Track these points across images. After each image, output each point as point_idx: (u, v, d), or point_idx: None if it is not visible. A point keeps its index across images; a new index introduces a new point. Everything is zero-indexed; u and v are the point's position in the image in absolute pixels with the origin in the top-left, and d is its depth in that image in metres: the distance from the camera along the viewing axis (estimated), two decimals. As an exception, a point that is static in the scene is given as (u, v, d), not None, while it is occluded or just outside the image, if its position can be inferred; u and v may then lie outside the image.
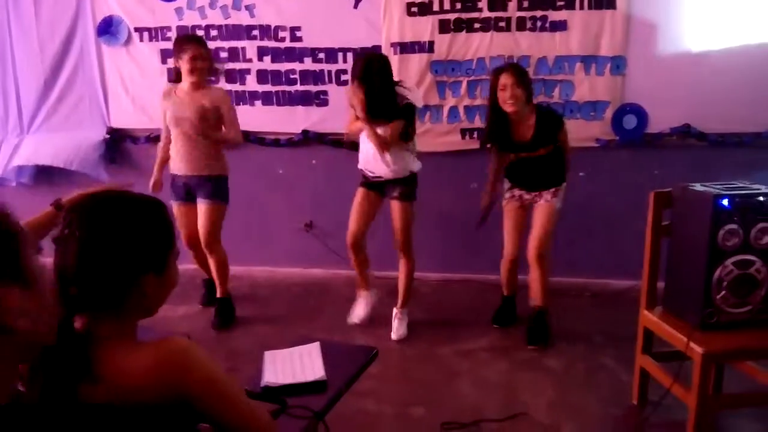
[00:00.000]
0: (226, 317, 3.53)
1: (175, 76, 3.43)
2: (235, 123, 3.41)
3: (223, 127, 3.38)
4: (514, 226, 3.31)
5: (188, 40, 3.37)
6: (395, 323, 3.40)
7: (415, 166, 3.30)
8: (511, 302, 3.50)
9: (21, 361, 0.90)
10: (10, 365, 0.86)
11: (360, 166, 3.36)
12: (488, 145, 3.29)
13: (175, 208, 3.44)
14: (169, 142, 3.45)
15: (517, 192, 3.29)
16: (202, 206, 3.41)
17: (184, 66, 3.27)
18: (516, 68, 3.14)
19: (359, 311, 3.49)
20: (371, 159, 3.25)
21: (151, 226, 1.07)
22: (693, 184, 2.34)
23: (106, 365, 0.97)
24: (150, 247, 1.06)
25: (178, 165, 3.40)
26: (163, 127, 3.50)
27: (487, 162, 3.70)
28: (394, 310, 3.44)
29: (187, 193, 3.44)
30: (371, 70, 3.10)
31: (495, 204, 3.31)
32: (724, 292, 2.23)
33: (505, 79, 3.06)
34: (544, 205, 3.22)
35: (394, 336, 3.36)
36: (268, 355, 1.69)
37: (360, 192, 3.39)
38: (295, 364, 1.61)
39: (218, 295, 3.56)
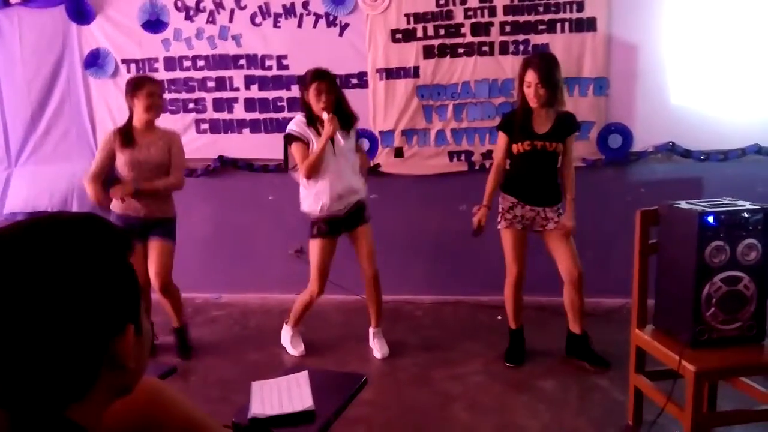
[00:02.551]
0: (188, 346, 3.52)
1: (127, 120, 3.32)
2: (180, 167, 3.38)
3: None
4: (519, 247, 3.16)
5: (144, 78, 3.38)
6: (376, 343, 3.41)
7: None
8: (521, 337, 3.31)
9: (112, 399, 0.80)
10: (108, 400, 0.78)
11: (322, 212, 3.21)
12: (499, 135, 3.17)
13: None
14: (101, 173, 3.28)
15: (518, 211, 3.13)
16: (157, 244, 3.32)
17: (141, 103, 3.21)
18: (542, 66, 2.97)
19: (300, 346, 3.48)
20: (343, 193, 3.22)
21: (104, 253, 0.73)
22: (678, 202, 2.35)
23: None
24: (117, 286, 0.74)
25: (133, 206, 3.28)
26: (96, 163, 3.31)
27: (475, 183, 3.72)
28: (371, 330, 3.44)
29: (141, 234, 3.31)
30: (331, 77, 3.22)
31: (485, 220, 3.17)
32: (713, 309, 2.23)
33: (530, 77, 2.98)
34: (561, 232, 3.08)
35: (378, 355, 3.37)
36: (256, 386, 1.67)
37: (324, 243, 3.26)
38: (283, 394, 1.59)
39: (176, 325, 3.52)
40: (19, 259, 0.68)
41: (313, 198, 3.23)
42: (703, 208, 2.25)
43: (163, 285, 3.36)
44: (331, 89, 3.16)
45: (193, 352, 3.51)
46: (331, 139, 3.15)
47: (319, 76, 3.15)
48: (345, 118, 3.22)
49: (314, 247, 3.29)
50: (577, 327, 3.19)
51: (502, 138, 3.17)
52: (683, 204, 2.33)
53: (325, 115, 3.10)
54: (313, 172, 3.16)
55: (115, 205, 3.32)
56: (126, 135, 3.27)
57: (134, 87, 3.26)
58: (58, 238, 0.71)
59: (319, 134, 3.16)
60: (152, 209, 3.32)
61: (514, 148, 3.11)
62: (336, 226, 3.28)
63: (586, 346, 3.18)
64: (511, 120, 3.14)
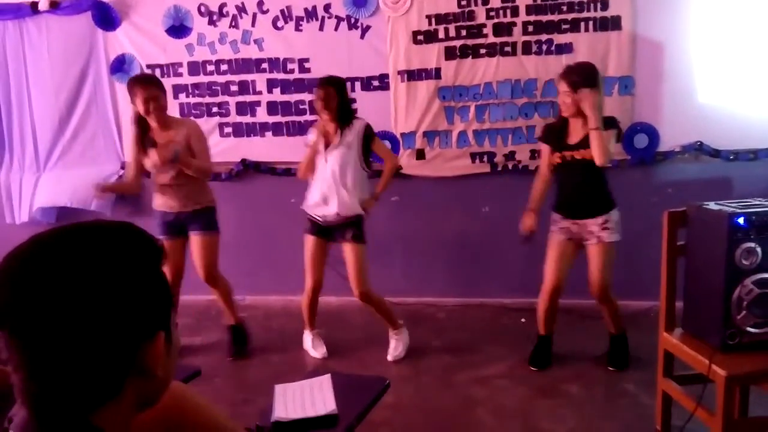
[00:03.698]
0: (242, 345, 3.54)
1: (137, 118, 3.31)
2: (204, 154, 3.35)
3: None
4: (560, 257, 3.09)
5: (136, 82, 3.25)
6: (392, 343, 3.40)
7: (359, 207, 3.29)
8: (548, 342, 3.26)
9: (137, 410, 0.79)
10: (134, 407, 0.78)
11: (309, 211, 3.33)
12: (541, 146, 3.20)
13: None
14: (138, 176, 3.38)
15: (565, 224, 3.08)
16: (197, 239, 3.37)
17: (140, 108, 3.20)
18: (571, 76, 2.97)
19: (322, 347, 3.48)
20: (320, 201, 3.26)
21: (138, 260, 0.75)
22: (707, 203, 2.30)
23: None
24: (149, 293, 0.75)
25: (167, 203, 3.35)
26: (134, 164, 3.38)
27: (497, 185, 3.71)
28: (390, 332, 3.43)
29: (178, 229, 3.38)
30: (335, 80, 3.28)
31: (535, 227, 3.14)
32: (744, 312, 2.18)
33: (562, 87, 2.99)
34: (598, 247, 3.02)
35: (390, 357, 3.36)
36: (279, 389, 1.67)
37: (310, 239, 3.36)
38: (306, 398, 1.59)
39: (231, 323, 3.56)
40: (56, 264, 0.69)
41: (306, 196, 3.37)
42: (733, 209, 2.19)
43: (208, 275, 3.42)
44: (327, 96, 3.19)
45: (246, 351, 3.53)
46: (327, 146, 3.24)
47: (319, 83, 3.27)
48: (344, 121, 3.25)
49: (304, 240, 3.40)
50: (612, 328, 3.20)
51: (544, 149, 3.18)
52: (712, 205, 2.28)
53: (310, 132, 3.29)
54: (301, 175, 3.37)
55: (155, 203, 3.40)
56: (143, 140, 3.26)
57: (130, 92, 3.23)
58: (95, 244, 0.73)
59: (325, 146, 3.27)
60: (184, 203, 3.33)
61: (550, 160, 3.11)
62: (322, 230, 3.34)
63: (616, 345, 3.18)
64: (549, 131, 3.15)
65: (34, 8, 4.24)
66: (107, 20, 4.19)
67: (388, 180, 3.37)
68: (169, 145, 3.21)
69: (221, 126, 4.25)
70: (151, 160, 3.17)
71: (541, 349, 3.25)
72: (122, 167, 4.36)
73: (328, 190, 3.25)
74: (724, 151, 3.70)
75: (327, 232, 3.35)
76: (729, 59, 3.62)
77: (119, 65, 4.25)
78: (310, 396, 1.61)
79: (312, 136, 3.32)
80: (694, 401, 2.26)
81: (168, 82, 4.21)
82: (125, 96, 4.26)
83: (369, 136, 3.28)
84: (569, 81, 2.95)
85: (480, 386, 3.04)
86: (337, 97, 3.21)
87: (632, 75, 3.70)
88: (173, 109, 4.20)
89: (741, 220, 2.14)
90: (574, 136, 3.03)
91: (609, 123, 3.01)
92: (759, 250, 2.15)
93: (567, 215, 3.08)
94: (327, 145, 3.24)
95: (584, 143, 2.98)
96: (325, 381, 1.70)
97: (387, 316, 3.42)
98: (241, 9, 4.08)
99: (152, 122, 3.25)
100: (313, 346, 3.49)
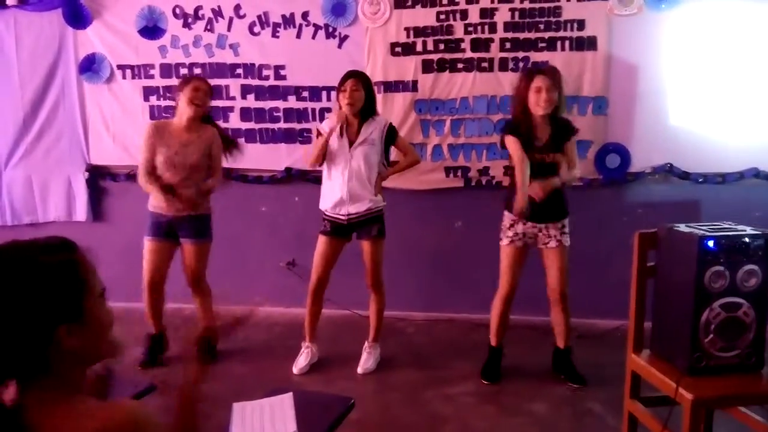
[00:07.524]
0: (208, 355, 3.45)
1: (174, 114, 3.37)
2: (220, 161, 3.40)
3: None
4: (517, 264, 3.13)
5: (195, 75, 3.53)
6: (364, 356, 3.36)
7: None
8: (500, 354, 3.28)
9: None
10: (72, 369, 1.01)
11: (329, 211, 3.27)
12: (508, 139, 3.04)
13: (151, 244, 3.32)
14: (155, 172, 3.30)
15: (519, 228, 3.08)
16: (189, 246, 3.36)
17: (186, 95, 3.21)
18: (554, 72, 3.03)
19: (303, 362, 3.36)
20: (346, 199, 3.20)
21: (52, 274, 0.98)
22: (678, 225, 2.31)
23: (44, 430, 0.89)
24: (56, 298, 0.97)
25: (163, 204, 3.28)
26: (145, 161, 3.27)
27: (471, 200, 3.69)
28: (366, 344, 3.40)
29: (168, 232, 3.33)
30: (363, 74, 3.30)
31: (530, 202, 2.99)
32: (711, 336, 2.18)
33: (541, 82, 2.96)
34: (557, 249, 3.08)
35: (360, 369, 3.31)
36: (237, 407, 1.60)
37: (324, 241, 3.29)
38: (265, 418, 1.53)
39: (203, 332, 3.47)
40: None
41: (322, 196, 3.32)
42: (703, 232, 2.19)
43: (194, 282, 3.41)
44: (356, 87, 3.17)
45: (213, 362, 3.42)
46: (351, 142, 3.20)
47: (346, 76, 3.22)
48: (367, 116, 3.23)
49: (318, 241, 3.33)
50: (561, 341, 3.20)
51: (515, 141, 3.02)
52: (683, 227, 2.28)
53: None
54: (309, 162, 3.32)
55: (151, 203, 3.33)
56: (164, 131, 3.26)
57: (183, 81, 3.31)
58: (23, 262, 0.98)
59: (341, 134, 3.22)
60: (183, 207, 3.28)
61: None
62: (341, 229, 3.27)
63: (567, 361, 3.18)
64: (516, 126, 3.05)
65: (1, 2, 4.11)
66: (78, 18, 4.09)
67: (402, 169, 3.39)
68: (188, 147, 3.24)
69: (192, 130, 4.16)
70: (186, 195, 3.23)
71: (494, 362, 3.26)
72: (87, 170, 4.24)
73: (358, 187, 3.20)
74: (693, 173, 3.75)
75: (347, 231, 3.29)
76: (701, 84, 3.68)
77: (88, 65, 4.14)
78: (270, 415, 1.55)
79: (328, 123, 3.27)
80: (660, 424, 2.25)
81: (139, 84, 4.14)
82: (93, 96, 4.19)
83: (392, 134, 3.28)
84: (552, 79, 2.97)
85: (447, 403, 2.99)
86: (363, 90, 3.18)
87: (606, 95, 3.74)
88: (144, 113, 4.12)
89: (711, 243, 2.15)
90: (540, 137, 3.04)
91: (571, 129, 3.09)
92: (727, 273, 2.15)
93: (529, 218, 3.07)
94: (350, 140, 3.20)
95: (551, 145, 3.03)
96: (286, 399, 1.64)
97: (379, 321, 3.39)
98: (218, 12, 4.02)
99: (189, 111, 3.21)
100: (297, 359, 3.39)
